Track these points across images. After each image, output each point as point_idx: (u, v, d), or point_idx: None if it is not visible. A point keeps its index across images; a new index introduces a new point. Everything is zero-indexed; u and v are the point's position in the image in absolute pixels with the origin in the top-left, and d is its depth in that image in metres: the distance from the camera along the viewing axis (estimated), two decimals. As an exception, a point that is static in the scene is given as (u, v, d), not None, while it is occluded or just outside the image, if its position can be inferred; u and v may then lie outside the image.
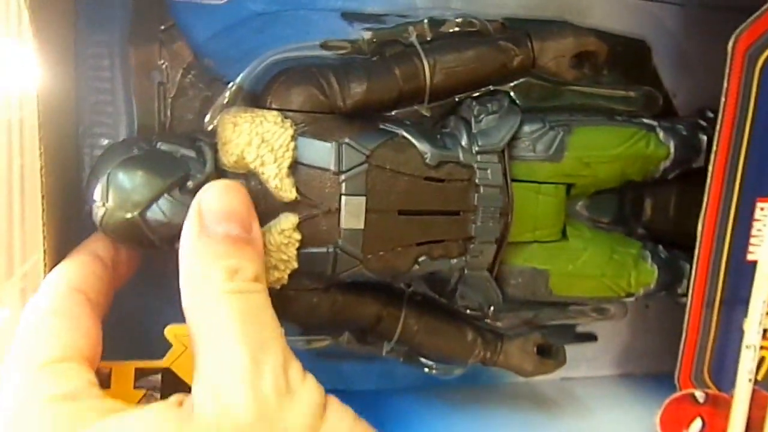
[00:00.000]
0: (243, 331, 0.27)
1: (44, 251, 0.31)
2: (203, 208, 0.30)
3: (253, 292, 0.29)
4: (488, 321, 0.41)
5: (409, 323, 0.40)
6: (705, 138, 0.41)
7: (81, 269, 0.31)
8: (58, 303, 0.29)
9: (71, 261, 0.32)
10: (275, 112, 0.34)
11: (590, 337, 0.48)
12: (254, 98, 0.37)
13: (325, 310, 0.38)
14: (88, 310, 0.30)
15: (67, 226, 0.35)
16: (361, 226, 0.35)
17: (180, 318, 0.33)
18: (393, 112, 0.38)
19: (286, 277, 0.35)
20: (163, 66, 0.37)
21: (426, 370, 0.43)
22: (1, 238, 0.31)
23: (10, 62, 0.31)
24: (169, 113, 0.37)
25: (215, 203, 0.30)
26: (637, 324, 0.50)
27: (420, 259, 0.37)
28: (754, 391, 0.40)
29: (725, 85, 0.37)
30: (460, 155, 0.36)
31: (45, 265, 0.31)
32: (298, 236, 0.34)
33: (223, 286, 0.28)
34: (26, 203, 0.32)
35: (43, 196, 0.31)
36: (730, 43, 0.37)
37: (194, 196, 0.33)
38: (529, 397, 0.47)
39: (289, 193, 0.34)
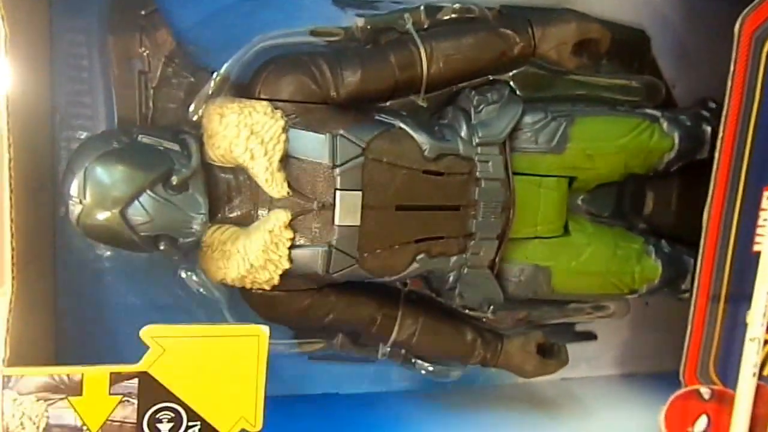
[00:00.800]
0: None
1: (12, 247, 0.29)
2: None
3: None
4: (486, 320, 0.39)
5: (406, 324, 0.38)
6: (709, 129, 0.40)
7: None
8: None
9: None
10: (265, 103, 0.33)
11: (590, 336, 0.47)
12: (242, 88, 0.35)
13: (318, 311, 0.36)
14: None
15: (39, 223, 0.33)
16: (357, 222, 0.33)
17: (160, 320, 0.31)
18: (388, 103, 0.36)
19: (276, 277, 0.33)
20: (145, 54, 0.35)
21: (423, 372, 0.41)
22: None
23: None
24: (151, 104, 0.35)
25: None
26: (637, 322, 0.49)
27: (418, 257, 0.35)
28: (759, 387, 0.38)
29: (731, 68, 0.36)
30: (460, 147, 0.35)
31: (13, 264, 0.29)
32: (289, 234, 0.32)
33: None
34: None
35: (11, 191, 0.28)
36: (737, 26, 0.36)
37: (179, 192, 0.31)
38: (528, 398, 0.45)
39: (280, 188, 0.32)
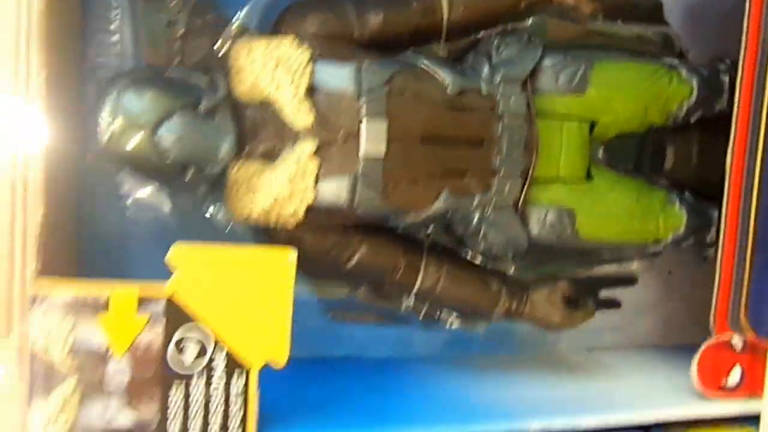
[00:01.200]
0: None
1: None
2: None
3: None
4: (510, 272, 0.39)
5: (430, 271, 0.37)
6: (727, 78, 0.40)
7: None
8: None
9: None
10: (291, 36, 0.33)
11: (614, 304, 0.46)
12: (265, 35, 0.36)
13: (342, 254, 0.36)
14: None
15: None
16: (382, 153, 0.33)
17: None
18: (409, 51, 0.37)
19: (301, 212, 0.33)
20: (172, 5, 0.36)
21: (448, 326, 0.40)
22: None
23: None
24: (177, 53, 0.36)
25: None
26: (660, 292, 0.48)
27: (442, 194, 0.35)
28: (794, 337, 0.37)
29: (746, 10, 0.37)
30: (482, 86, 0.35)
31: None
32: (315, 163, 0.33)
33: None
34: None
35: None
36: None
37: (206, 119, 0.32)
38: (553, 363, 0.44)
39: (306, 116, 0.32)
